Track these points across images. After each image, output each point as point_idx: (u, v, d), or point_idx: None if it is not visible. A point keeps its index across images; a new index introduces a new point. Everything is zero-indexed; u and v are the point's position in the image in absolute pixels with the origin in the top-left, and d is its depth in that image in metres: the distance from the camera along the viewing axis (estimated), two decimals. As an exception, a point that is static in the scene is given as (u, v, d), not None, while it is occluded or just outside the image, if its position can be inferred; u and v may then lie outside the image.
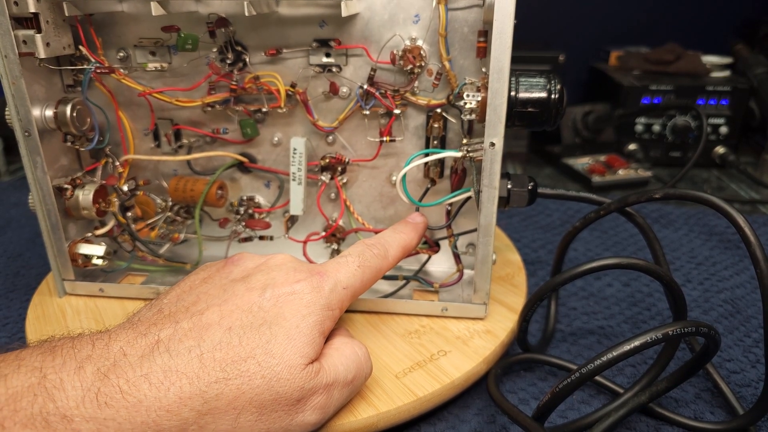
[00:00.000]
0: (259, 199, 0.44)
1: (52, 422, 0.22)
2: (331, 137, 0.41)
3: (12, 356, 0.25)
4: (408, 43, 0.37)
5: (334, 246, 0.44)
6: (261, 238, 0.45)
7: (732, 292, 0.47)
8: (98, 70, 0.38)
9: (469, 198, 0.38)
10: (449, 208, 0.40)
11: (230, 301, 0.29)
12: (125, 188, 0.42)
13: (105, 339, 0.26)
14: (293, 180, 0.41)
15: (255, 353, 0.26)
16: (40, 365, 0.24)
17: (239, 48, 0.39)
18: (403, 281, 0.42)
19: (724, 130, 0.78)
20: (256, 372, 0.26)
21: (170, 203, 0.44)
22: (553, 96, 0.33)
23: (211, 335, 0.27)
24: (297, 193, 0.41)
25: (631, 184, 0.72)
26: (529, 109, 0.33)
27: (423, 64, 0.37)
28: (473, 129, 0.39)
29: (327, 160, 0.41)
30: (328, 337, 0.32)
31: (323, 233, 0.44)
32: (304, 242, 0.43)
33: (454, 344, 0.37)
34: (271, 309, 0.29)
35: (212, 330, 0.27)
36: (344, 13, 0.35)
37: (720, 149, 0.78)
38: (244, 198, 0.44)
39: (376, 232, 0.41)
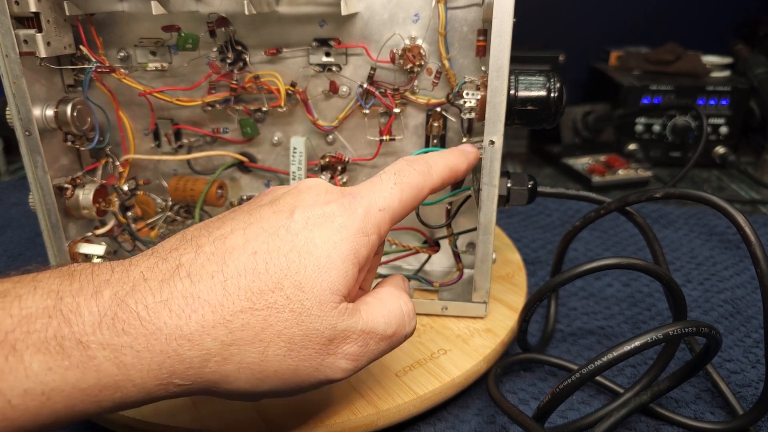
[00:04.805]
0: (259, 198, 0.44)
1: (66, 347, 0.21)
2: (330, 136, 0.41)
3: (29, 278, 0.23)
4: (408, 42, 0.37)
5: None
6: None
7: (732, 292, 0.47)
8: (99, 70, 0.38)
9: (468, 197, 0.38)
10: (449, 207, 0.40)
11: (256, 224, 0.26)
12: (125, 188, 0.42)
13: (125, 265, 0.25)
14: (293, 179, 0.41)
15: (283, 285, 0.24)
16: (57, 288, 0.22)
17: (239, 47, 0.39)
18: (403, 281, 0.42)
19: (724, 130, 0.78)
20: (284, 305, 0.24)
21: (170, 203, 0.44)
22: (552, 94, 0.33)
23: (235, 260, 0.24)
24: (297, 193, 0.41)
25: (631, 184, 0.72)
26: (529, 108, 0.33)
27: (422, 63, 0.37)
28: (473, 127, 0.39)
29: (327, 160, 0.41)
30: (376, 285, 0.30)
31: (323, 233, 0.43)
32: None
33: (455, 343, 0.37)
34: (299, 232, 0.26)
35: (236, 254, 0.25)
36: (344, 12, 0.35)
37: (720, 149, 0.78)
38: (244, 197, 0.44)
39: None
